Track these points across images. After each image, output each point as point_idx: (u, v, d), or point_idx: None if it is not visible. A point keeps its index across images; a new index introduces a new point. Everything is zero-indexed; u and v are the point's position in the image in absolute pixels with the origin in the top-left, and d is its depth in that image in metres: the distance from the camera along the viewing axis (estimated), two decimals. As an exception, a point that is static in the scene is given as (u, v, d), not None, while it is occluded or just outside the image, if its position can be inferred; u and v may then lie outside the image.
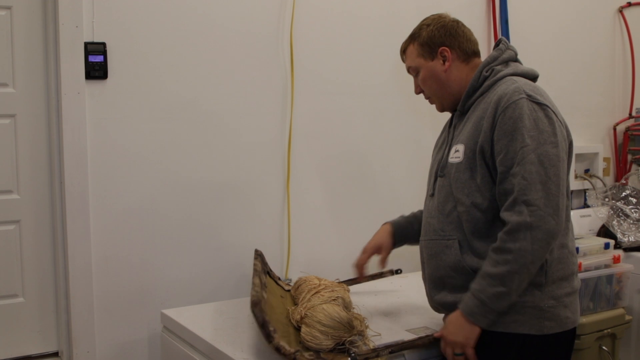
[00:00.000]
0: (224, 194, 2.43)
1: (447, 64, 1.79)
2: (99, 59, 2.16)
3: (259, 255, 2.25)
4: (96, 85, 2.19)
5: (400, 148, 2.81)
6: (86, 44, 2.15)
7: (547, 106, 1.64)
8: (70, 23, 2.12)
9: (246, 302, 2.22)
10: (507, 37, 2.99)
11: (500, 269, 1.59)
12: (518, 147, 1.59)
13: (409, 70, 1.87)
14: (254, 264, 2.13)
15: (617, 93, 3.53)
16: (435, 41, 1.79)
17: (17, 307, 2.22)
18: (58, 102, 2.17)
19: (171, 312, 2.13)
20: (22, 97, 2.19)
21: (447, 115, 1.98)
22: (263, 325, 1.65)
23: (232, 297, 2.40)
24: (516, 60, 1.81)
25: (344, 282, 2.29)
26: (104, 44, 2.17)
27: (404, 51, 1.88)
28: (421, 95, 1.90)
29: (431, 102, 1.89)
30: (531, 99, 1.63)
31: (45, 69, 2.20)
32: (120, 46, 2.21)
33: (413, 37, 1.84)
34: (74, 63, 2.14)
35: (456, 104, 1.82)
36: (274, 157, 2.52)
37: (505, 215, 1.60)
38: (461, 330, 1.66)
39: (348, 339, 1.71)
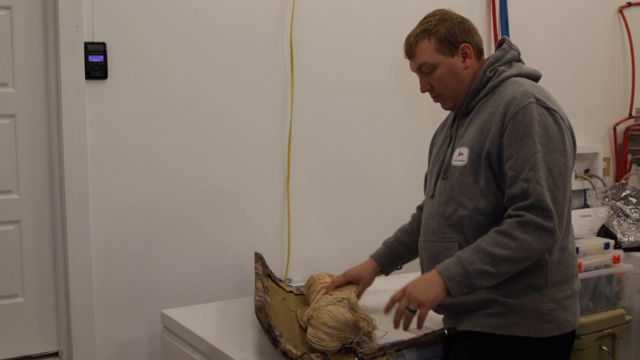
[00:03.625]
0: (224, 194, 2.43)
1: (468, 61, 1.75)
2: (99, 59, 2.16)
3: (259, 259, 2.25)
4: (96, 85, 2.18)
5: (400, 148, 2.81)
6: (86, 44, 2.15)
7: (555, 111, 1.64)
8: (70, 23, 2.12)
9: (247, 302, 2.22)
10: (507, 37, 2.99)
11: (499, 250, 1.57)
12: (529, 152, 1.58)
13: (421, 67, 1.76)
14: (255, 267, 2.13)
15: (617, 93, 3.53)
16: (456, 37, 1.73)
17: (17, 307, 2.22)
18: (58, 102, 2.17)
19: (171, 312, 2.13)
20: (22, 97, 2.19)
21: (447, 112, 1.97)
22: (269, 330, 1.65)
23: (233, 297, 2.40)
24: (519, 60, 1.80)
25: None
26: (104, 44, 2.17)
27: (414, 47, 1.77)
28: (421, 95, 1.87)
29: (438, 101, 1.82)
30: (540, 103, 1.62)
31: (45, 69, 2.20)
32: (120, 46, 2.21)
33: (428, 32, 1.74)
34: (74, 63, 2.14)
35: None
36: (274, 157, 2.52)
37: (519, 212, 1.58)
38: (429, 289, 1.60)
39: (355, 340, 1.71)
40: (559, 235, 1.59)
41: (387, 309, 1.71)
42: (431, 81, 1.77)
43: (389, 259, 2.05)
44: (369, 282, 2.04)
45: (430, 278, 1.63)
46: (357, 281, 2.02)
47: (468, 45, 1.75)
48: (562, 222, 1.59)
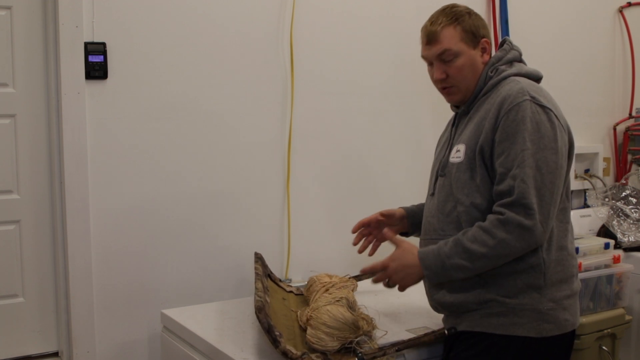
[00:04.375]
0: (224, 194, 2.43)
1: (485, 56, 1.76)
2: (99, 59, 2.16)
3: (259, 259, 2.25)
4: (96, 85, 2.19)
5: (400, 148, 2.81)
6: (86, 44, 2.15)
7: (549, 109, 1.64)
8: (70, 23, 2.12)
9: (247, 302, 2.22)
10: (507, 37, 2.99)
11: (476, 247, 1.60)
12: (519, 149, 1.59)
13: (442, 53, 1.73)
14: (255, 268, 2.13)
15: (617, 93, 3.53)
16: (479, 32, 1.75)
17: (17, 307, 2.22)
18: (58, 102, 2.17)
19: (171, 312, 2.13)
20: (22, 97, 2.19)
21: (448, 114, 1.98)
22: (269, 330, 1.65)
23: (233, 297, 2.40)
24: (520, 60, 1.81)
25: (352, 277, 2.29)
26: (104, 44, 2.17)
27: (439, 32, 1.73)
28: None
29: (447, 93, 1.80)
30: (535, 100, 1.63)
31: (45, 69, 2.20)
32: (120, 46, 2.21)
33: (455, 20, 1.73)
34: (74, 63, 2.14)
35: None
36: (274, 157, 2.52)
37: (501, 209, 1.59)
38: (407, 278, 1.73)
39: (355, 339, 1.71)
40: (541, 233, 1.59)
41: (365, 272, 1.88)
42: (449, 70, 1.75)
43: (416, 214, 2.02)
44: (403, 217, 2.04)
45: (410, 268, 1.71)
46: (390, 214, 2.03)
47: (487, 41, 1.77)
48: (547, 220, 1.59)
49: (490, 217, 1.62)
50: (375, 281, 1.80)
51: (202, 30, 2.35)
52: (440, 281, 1.70)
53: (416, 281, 1.74)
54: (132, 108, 2.25)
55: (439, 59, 1.76)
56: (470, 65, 1.75)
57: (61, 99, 2.14)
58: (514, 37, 3.00)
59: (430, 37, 1.76)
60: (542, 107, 1.63)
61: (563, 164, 1.65)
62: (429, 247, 1.70)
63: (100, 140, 2.20)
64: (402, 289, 1.76)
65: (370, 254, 2.06)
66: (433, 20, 1.77)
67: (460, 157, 1.72)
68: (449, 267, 1.63)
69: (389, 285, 1.77)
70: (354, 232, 2.08)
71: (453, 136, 1.82)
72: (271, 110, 2.51)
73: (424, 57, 1.81)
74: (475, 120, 1.72)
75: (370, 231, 2.07)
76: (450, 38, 1.73)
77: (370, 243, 2.08)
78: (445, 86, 1.79)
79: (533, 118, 1.61)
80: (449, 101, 1.85)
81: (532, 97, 1.63)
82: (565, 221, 1.71)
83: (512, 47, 1.80)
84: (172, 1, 2.29)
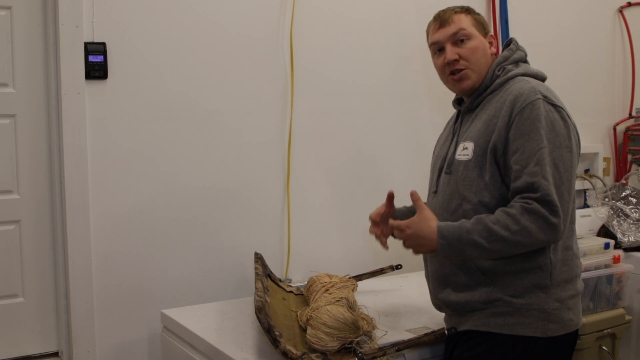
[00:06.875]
0: (224, 194, 2.43)
1: (492, 49, 1.81)
2: (99, 59, 2.17)
3: (259, 259, 2.25)
4: (96, 85, 2.19)
5: (400, 148, 2.81)
6: (86, 44, 2.15)
7: (561, 108, 1.65)
8: (70, 23, 2.12)
9: (247, 302, 2.22)
10: (507, 37, 2.99)
11: (498, 228, 1.58)
12: (535, 147, 1.59)
13: (456, 33, 1.75)
14: (255, 268, 2.13)
15: (617, 93, 3.53)
16: (487, 27, 1.82)
17: (17, 307, 2.22)
18: (58, 102, 2.17)
19: (171, 312, 2.13)
20: (22, 97, 2.19)
21: (448, 113, 1.97)
22: (269, 330, 1.65)
23: (233, 297, 2.40)
24: (525, 61, 1.82)
25: (352, 277, 2.29)
26: (104, 44, 2.18)
27: (452, 15, 1.77)
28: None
29: (459, 77, 1.77)
30: (547, 99, 1.64)
31: (45, 69, 2.20)
32: (120, 46, 2.21)
33: (467, 10, 1.80)
34: (74, 63, 2.14)
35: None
36: (274, 157, 2.52)
37: (527, 200, 1.58)
38: (421, 247, 1.69)
39: (355, 339, 1.71)
40: (562, 231, 1.59)
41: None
42: (462, 51, 1.76)
43: (404, 215, 1.97)
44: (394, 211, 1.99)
45: (424, 239, 1.66)
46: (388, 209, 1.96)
47: (493, 36, 1.82)
48: (567, 218, 1.60)
49: (515, 204, 1.59)
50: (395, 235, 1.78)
51: (202, 30, 2.35)
52: (451, 257, 1.66)
53: (428, 252, 1.73)
54: (132, 108, 2.25)
55: (451, 40, 1.77)
56: (482, 50, 1.78)
57: (61, 99, 2.14)
58: (514, 37, 2.99)
59: (443, 19, 1.79)
60: (554, 105, 1.64)
61: (576, 163, 1.66)
62: (449, 222, 1.67)
63: (100, 141, 2.20)
64: (415, 253, 1.74)
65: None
66: (445, 9, 1.82)
67: (468, 154, 1.71)
68: (465, 242, 1.60)
69: (405, 246, 1.75)
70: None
71: (457, 133, 1.81)
72: (271, 110, 2.51)
73: (435, 42, 1.81)
74: (483, 117, 1.72)
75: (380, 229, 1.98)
76: (465, 21, 1.78)
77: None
78: (456, 69, 1.77)
79: (547, 116, 1.62)
80: (457, 90, 1.82)
81: (544, 96, 1.64)
82: (572, 221, 1.71)
83: (518, 48, 1.82)
84: (172, 1, 2.29)
